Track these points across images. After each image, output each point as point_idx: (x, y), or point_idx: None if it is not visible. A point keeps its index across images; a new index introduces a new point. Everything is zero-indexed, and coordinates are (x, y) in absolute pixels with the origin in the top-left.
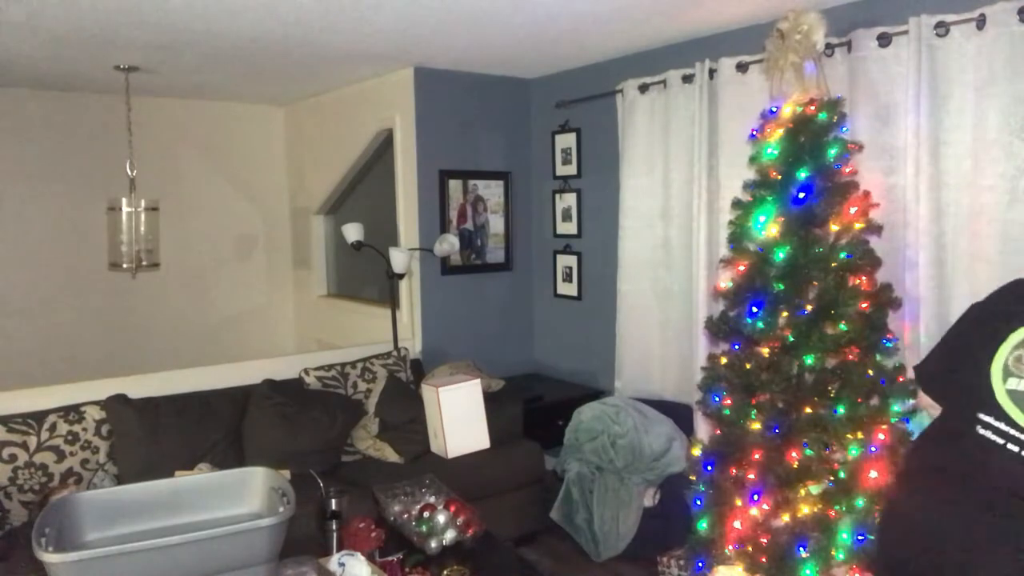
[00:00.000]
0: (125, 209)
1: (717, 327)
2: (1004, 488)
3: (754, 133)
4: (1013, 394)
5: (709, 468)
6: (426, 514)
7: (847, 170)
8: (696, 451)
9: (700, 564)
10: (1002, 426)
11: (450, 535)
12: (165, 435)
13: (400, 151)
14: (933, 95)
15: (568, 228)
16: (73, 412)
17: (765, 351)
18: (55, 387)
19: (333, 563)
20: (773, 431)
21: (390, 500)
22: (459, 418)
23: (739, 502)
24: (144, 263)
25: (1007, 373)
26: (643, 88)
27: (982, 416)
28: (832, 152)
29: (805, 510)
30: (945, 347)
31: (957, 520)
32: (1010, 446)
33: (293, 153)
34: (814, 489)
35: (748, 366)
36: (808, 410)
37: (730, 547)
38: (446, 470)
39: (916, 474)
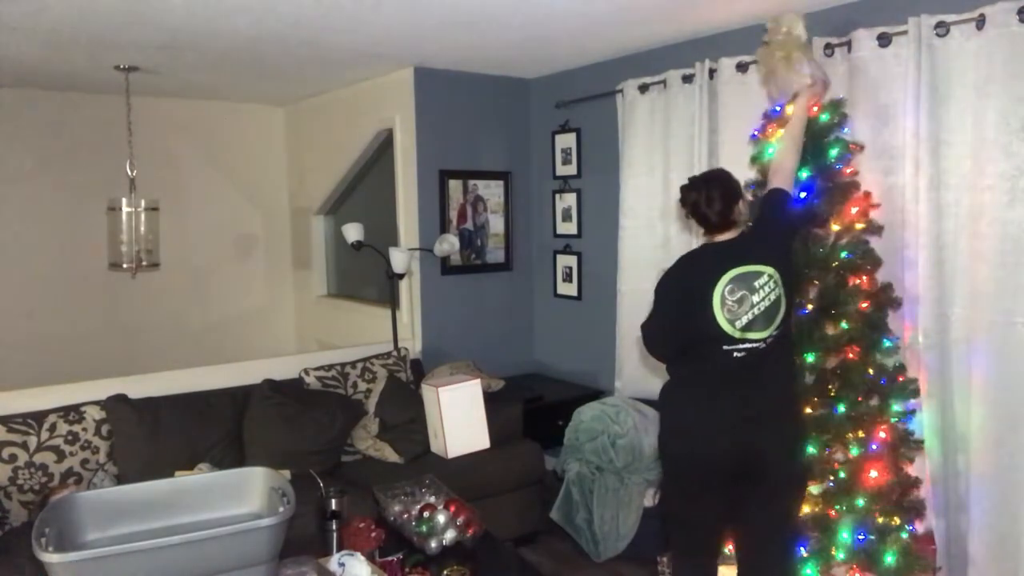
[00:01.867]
0: (125, 209)
1: None
2: (745, 376)
3: (755, 133)
4: (744, 326)
5: None
6: (426, 514)
7: (848, 170)
8: None
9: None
10: (737, 347)
11: (450, 535)
12: (165, 435)
13: (400, 151)
14: (933, 95)
15: (568, 228)
16: (73, 412)
17: None
18: (55, 387)
19: (333, 563)
20: None
21: (390, 500)
22: (459, 418)
23: None
24: (144, 263)
25: (725, 308)
26: (643, 88)
27: (726, 347)
28: (833, 152)
29: (805, 510)
30: (658, 324)
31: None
32: (740, 353)
33: (293, 153)
34: (814, 489)
35: None
36: (808, 410)
37: (730, 547)
38: (446, 470)
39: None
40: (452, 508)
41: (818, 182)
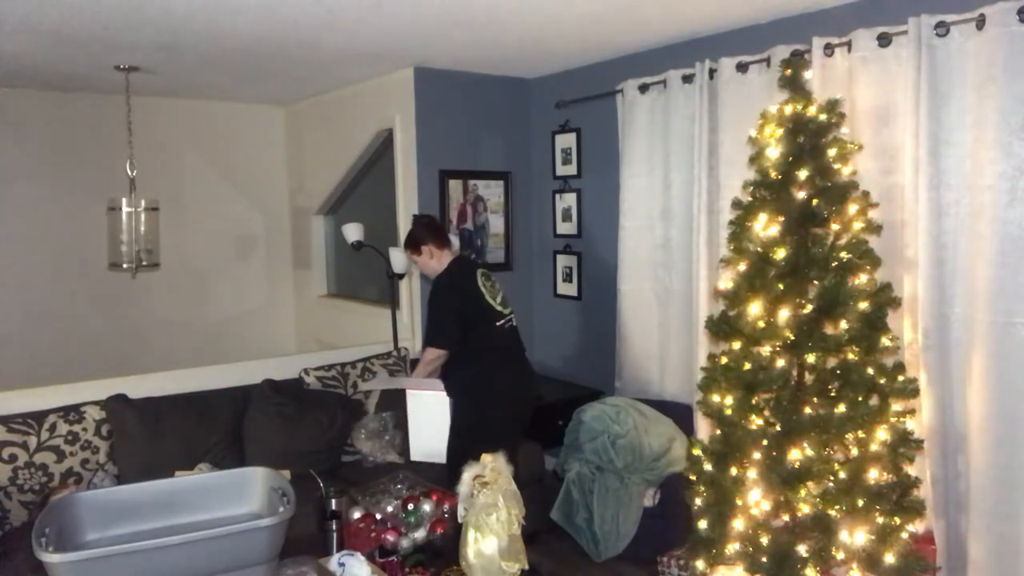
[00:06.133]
0: (125, 209)
1: (717, 327)
2: (512, 346)
3: (754, 133)
4: (501, 302)
5: (709, 468)
6: (410, 506)
7: (846, 170)
8: (696, 451)
9: (700, 564)
10: (503, 320)
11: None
12: (165, 435)
13: (400, 151)
14: (933, 95)
15: (568, 228)
16: (73, 412)
17: (765, 351)
18: (55, 387)
19: (333, 563)
20: (773, 431)
21: (372, 501)
22: (424, 424)
23: (739, 502)
24: (144, 263)
25: (491, 295)
26: (643, 88)
27: (498, 323)
28: (832, 152)
29: (805, 510)
30: (452, 319)
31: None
32: (508, 325)
33: (293, 153)
34: (814, 489)
35: (748, 366)
36: (808, 410)
37: (730, 547)
38: (445, 469)
39: (493, 365)
40: (435, 497)
41: (816, 181)
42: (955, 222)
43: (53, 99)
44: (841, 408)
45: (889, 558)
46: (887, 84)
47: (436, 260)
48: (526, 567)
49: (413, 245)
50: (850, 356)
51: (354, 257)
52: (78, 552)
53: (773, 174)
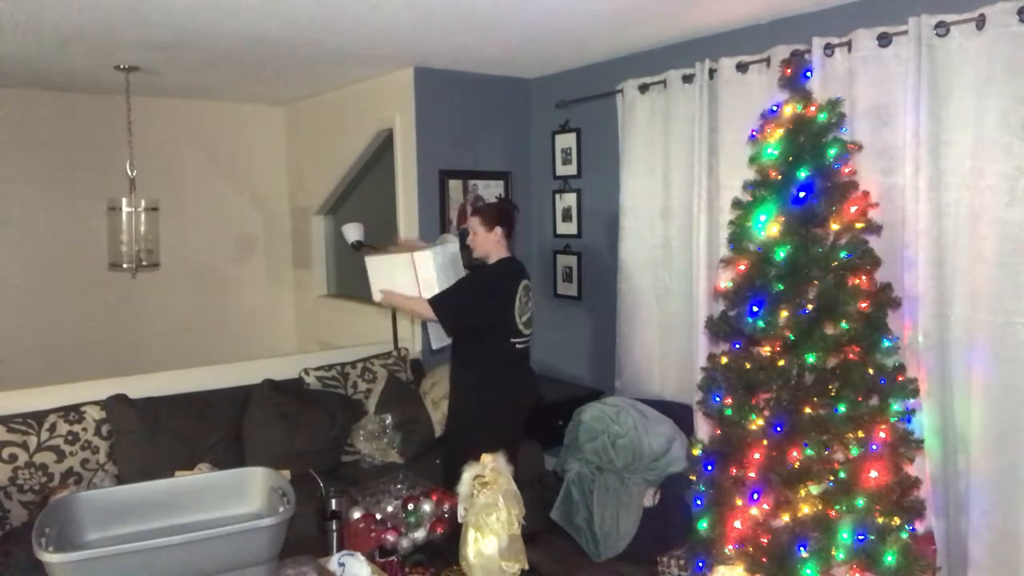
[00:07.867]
0: (125, 209)
1: (717, 327)
2: (519, 360)
3: (754, 133)
4: (525, 323)
5: (709, 468)
6: (410, 506)
7: (846, 170)
8: (696, 451)
9: (700, 564)
10: (518, 339)
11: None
12: (165, 435)
13: (400, 151)
14: (933, 95)
15: (568, 228)
16: (73, 412)
17: (766, 350)
18: (55, 387)
19: (333, 563)
20: (774, 431)
21: (373, 501)
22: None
23: (739, 502)
24: (144, 263)
25: (520, 312)
26: (643, 88)
27: (513, 340)
28: (832, 152)
29: (805, 510)
30: (466, 308)
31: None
32: (521, 344)
33: (293, 153)
34: (814, 489)
35: (748, 366)
36: (808, 410)
37: (730, 547)
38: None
39: (499, 370)
40: (435, 496)
41: (817, 182)
42: (955, 222)
43: (53, 99)
44: (841, 408)
45: (889, 558)
46: (887, 84)
47: (494, 247)
48: (526, 567)
49: (489, 219)
50: (850, 356)
51: (354, 257)
52: (78, 552)
53: (773, 174)
